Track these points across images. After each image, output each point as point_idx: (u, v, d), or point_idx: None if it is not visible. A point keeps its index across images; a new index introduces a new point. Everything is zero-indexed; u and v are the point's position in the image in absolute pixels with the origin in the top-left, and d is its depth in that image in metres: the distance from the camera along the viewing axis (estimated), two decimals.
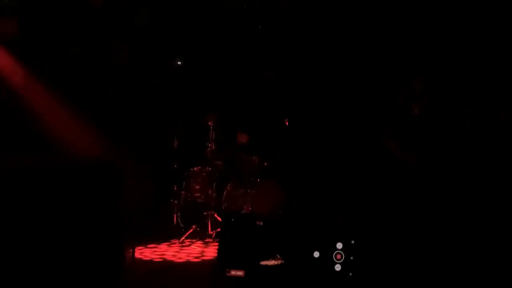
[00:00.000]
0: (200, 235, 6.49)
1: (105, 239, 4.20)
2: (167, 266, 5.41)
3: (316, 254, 4.69)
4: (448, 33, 6.14)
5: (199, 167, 6.89)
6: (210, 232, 6.70)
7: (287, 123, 6.45)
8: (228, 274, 4.83)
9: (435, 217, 5.35)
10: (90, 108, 6.59)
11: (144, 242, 6.30)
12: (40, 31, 6.42)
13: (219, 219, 6.57)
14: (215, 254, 5.23)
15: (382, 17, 6.52)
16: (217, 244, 5.19)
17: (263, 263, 4.80)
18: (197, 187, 6.76)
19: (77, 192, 4.07)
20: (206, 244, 6.44)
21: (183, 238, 6.55)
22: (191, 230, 6.64)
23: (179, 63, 7.10)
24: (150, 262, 5.57)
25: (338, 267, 4.65)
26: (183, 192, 6.87)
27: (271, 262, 4.82)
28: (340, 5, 6.75)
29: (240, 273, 4.82)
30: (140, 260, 5.52)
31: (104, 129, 6.64)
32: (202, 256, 5.84)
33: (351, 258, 4.62)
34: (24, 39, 6.32)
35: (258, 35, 7.16)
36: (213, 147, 6.76)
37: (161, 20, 7.06)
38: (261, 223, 4.77)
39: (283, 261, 4.79)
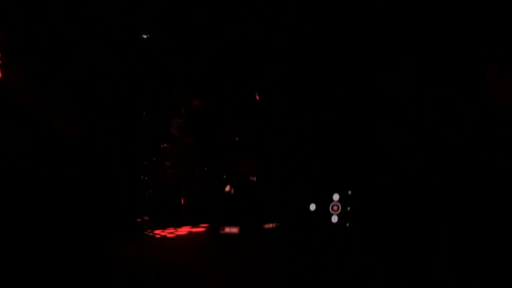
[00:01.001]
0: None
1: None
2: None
3: (312, 207, 4.56)
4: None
5: (169, 143, 6.83)
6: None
7: (257, 98, 6.43)
8: (222, 232, 4.70)
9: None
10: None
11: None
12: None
13: None
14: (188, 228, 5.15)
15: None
16: None
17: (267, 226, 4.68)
18: (168, 163, 6.73)
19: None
20: None
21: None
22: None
23: (145, 36, 7.12)
24: None
25: (335, 219, 4.50)
26: (154, 168, 6.80)
27: (267, 226, 4.70)
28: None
29: (234, 230, 4.69)
30: None
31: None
32: (176, 232, 5.68)
33: (348, 209, 4.49)
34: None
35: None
36: (184, 123, 6.71)
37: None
38: (254, 179, 4.68)
39: (278, 224, 4.67)
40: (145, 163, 6.51)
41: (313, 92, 6.92)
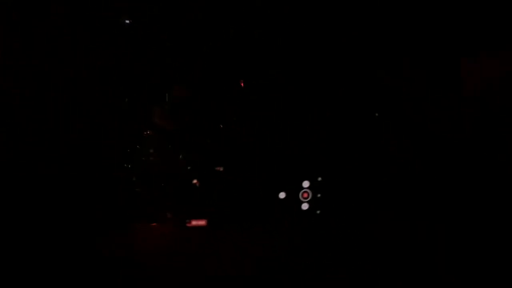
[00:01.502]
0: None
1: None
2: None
3: (282, 195, 4.43)
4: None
5: (152, 131, 6.73)
6: None
7: (242, 85, 6.34)
8: (189, 225, 4.52)
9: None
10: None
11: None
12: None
13: None
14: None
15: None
16: None
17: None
18: (151, 150, 6.60)
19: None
20: None
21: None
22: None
23: (127, 21, 7.07)
24: None
25: (305, 206, 4.37)
26: (138, 156, 6.68)
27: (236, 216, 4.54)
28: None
29: (201, 222, 4.51)
30: None
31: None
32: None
33: (319, 195, 4.37)
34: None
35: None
36: (166, 110, 6.63)
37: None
38: (221, 169, 4.54)
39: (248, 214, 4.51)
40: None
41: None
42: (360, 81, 6.07)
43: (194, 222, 4.51)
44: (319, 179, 4.35)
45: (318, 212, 4.29)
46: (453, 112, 5.68)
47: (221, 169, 4.54)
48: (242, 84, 6.22)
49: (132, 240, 4.55)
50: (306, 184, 4.38)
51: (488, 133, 5.50)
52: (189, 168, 4.57)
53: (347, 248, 4.17)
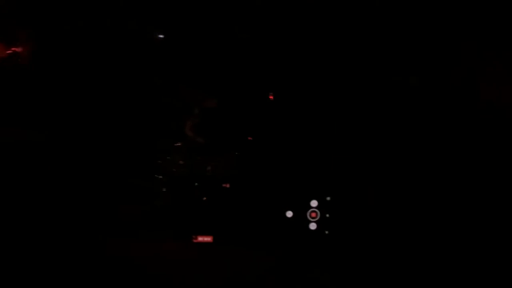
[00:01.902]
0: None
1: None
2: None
3: (289, 214, 4.35)
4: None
5: (182, 142, 6.77)
6: None
7: (271, 98, 6.28)
8: (195, 241, 4.46)
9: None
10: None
11: (131, 217, 6.12)
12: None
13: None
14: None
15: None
16: None
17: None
18: (181, 162, 6.62)
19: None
20: None
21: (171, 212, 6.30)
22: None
23: (160, 36, 7.15)
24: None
25: (313, 226, 4.28)
26: (167, 166, 6.72)
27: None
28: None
29: (208, 239, 4.45)
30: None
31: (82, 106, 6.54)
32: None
33: (327, 215, 4.27)
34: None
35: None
36: (196, 122, 6.65)
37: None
38: (228, 185, 4.46)
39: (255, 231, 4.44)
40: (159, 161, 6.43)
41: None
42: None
43: (201, 238, 4.46)
44: (328, 198, 4.24)
45: (326, 232, 4.19)
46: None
47: (228, 185, 4.47)
48: (272, 97, 6.15)
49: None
50: (314, 203, 4.28)
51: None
52: (196, 184, 4.50)
53: (357, 270, 4.08)
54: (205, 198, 4.51)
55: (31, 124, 6.30)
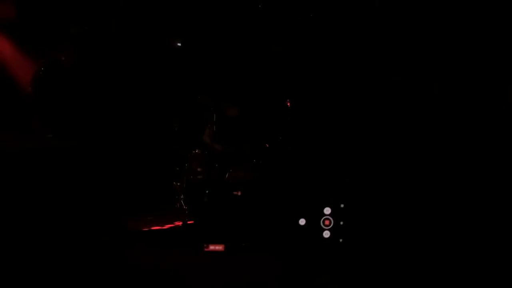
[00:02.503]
0: None
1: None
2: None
3: (302, 222, 4.26)
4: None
5: (201, 149, 6.76)
6: None
7: (288, 104, 6.23)
8: (206, 250, 4.39)
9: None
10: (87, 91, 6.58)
11: (148, 225, 6.04)
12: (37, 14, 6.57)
13: None
14: None
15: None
16: None
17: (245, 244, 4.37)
18: (199, 169, 6.59)
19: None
20: None
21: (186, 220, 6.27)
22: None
23: (179, 44, 7.22)
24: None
25: (326, 234, 4.19)
26: (185, 174, 6.73)
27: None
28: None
29: (219, 247, 4.38)
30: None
31: (103, 113, 6.58)
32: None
33: (341, 223, 4.18)
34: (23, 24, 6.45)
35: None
36: (214, 129, 6.61)
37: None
38: (239, 193, 4.39)
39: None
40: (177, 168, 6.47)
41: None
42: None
43: (212, 247, 4.39)
44: (342, 205, 4.15)
45: (340, 240, 4.09)
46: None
47: (239, 193, 4.40)
48: (289, 104, 6.11)
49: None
50: (327, 210, 4.19)
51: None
52: (207, 192, 4.44)
53: (371, 279, 3.97)
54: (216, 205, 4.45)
55: (58, 131, 6.37)
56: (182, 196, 6.35)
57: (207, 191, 4.42)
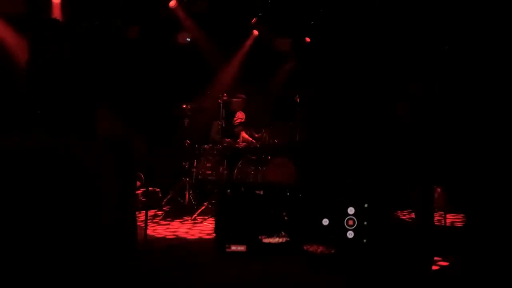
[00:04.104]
0: (212, 212, 6.07)
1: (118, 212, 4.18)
2: (179, 243, 5.07)
3: (325, 222, 4.23)
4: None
5: (210, 144, 6.78)
6: None
7: (298, 100, 6.19)
8: (228, 250, 4.36)
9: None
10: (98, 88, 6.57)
11: (157, 219, 6.18)
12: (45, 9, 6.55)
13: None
14: None
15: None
16: None
17: (266, 240, 4.33)
18: (209, 164, 6.63)
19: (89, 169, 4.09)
20: None
21: (195, 215, 6.22)
22: (203, 207, 6.35)
23: (188, 39, 7.27)
24: (163, 239, 5.18)
25: (350, 234, 4.16)
26: (194, 169, 6.71)
27: (275, 240, 4.36)
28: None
29: (241, 248, 4.35)
30: (153, 237, 5.18)
31: (114, 108, 6.58)
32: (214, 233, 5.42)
33: (365, 223, 4.15)
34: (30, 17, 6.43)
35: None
36: (224, 125, 6.64)
37: None
38: (261, 193, 4.36)
39: (288, 239, 4.33)
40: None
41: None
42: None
43: (234, 248, 4.36)
44: (366, 205, 4.12)
45: (364, 241, 4.06)
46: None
47: (261, 192, 4.37)
48: (298, 99, 6.09)
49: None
50: (351, 210, 4.17)
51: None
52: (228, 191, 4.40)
53: (394, 281, 3.93)
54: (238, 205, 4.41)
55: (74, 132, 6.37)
56: (191, 192, 6.40)
57: (228, 190, 4.38)
